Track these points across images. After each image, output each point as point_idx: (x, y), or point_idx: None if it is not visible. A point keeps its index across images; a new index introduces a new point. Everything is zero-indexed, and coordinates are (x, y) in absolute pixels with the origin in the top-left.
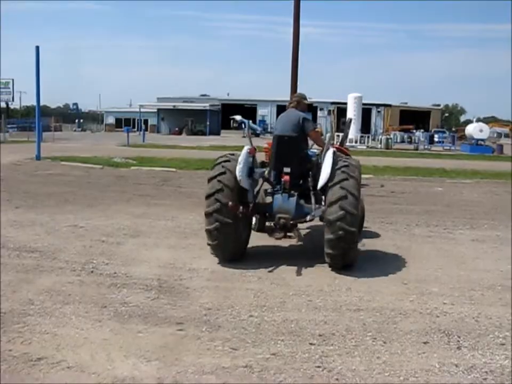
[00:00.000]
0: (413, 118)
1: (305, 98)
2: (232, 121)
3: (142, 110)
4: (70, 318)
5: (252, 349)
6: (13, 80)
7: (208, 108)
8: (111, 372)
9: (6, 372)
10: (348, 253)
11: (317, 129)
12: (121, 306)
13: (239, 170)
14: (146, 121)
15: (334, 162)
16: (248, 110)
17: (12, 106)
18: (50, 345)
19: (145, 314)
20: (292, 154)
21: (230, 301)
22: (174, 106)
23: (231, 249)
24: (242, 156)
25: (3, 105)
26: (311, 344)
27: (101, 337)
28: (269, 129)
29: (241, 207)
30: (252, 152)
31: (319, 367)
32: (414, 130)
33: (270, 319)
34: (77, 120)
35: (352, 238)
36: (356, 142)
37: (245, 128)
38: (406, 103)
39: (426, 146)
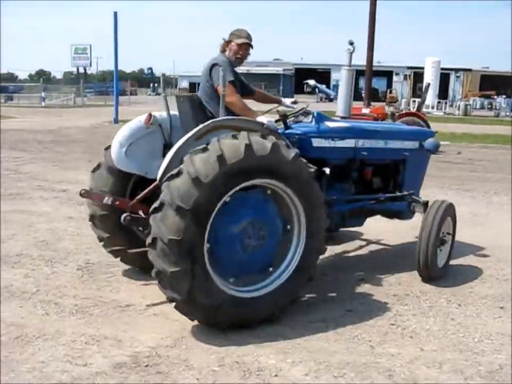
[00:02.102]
0: (494, 84)
1: (241, 36)
2: (305, 85)
3: None
4: None
5: (327, 304)
6: (90, 46)
7: (281, 72)
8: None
9: (98, 315)
10: None
11: (230, 86)
12: None
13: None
14: None
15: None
16: (322, 75)
17: (89, 72)
18: (136, 294)
19: None
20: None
21: None
22: (248, 70)
23: None
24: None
25: (81, 70)
26: (385, 303)
27: None
28: None
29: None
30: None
31: (393, 324)
32: (495, 97)
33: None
34: (151, 85)
35: None
36: (433, 108)
37: (318, 93)
38: (487, 68)
39: (508, 113)
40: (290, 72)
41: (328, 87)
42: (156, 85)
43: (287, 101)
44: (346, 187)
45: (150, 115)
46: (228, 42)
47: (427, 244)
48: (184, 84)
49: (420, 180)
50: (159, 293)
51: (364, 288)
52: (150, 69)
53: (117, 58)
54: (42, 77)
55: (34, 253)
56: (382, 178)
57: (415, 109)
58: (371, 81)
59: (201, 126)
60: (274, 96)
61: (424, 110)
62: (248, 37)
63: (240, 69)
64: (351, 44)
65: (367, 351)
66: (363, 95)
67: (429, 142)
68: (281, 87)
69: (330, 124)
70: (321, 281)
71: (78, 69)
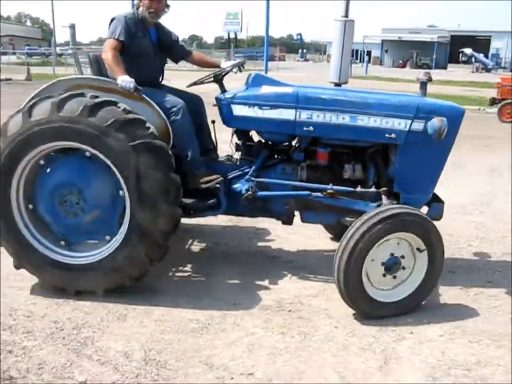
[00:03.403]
0: None
1: None
2: (461, 54)
3: (366, 41)
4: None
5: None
6: (241, 11)
7: (435, 39)
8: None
9: (248, 263)
10: None
11: (110, 41)
12: None
13: None
14: (369, 53)
15: None
16: (481, 42)
17: (239, 37)
18: (283, 246)
19: None
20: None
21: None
22: (399, 37)
23: None
24: None
25: (232, 35)
26: None
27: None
28: (502, 64)
29: None
30: None
31: None
32: None
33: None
34: (300, 50)
35: None
36: None
37: (474, 62)
38: None
39: None
40: (445, 40)
41: (486, 56)
42: (305, 51)
43: (226, 64)
44: (286, 170)
45: None
46: None
47: (337, 264)
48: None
49: (427, 177)
50: (306, 244)
51: (507, 262)
52: (299, 34)
53: (268, 23)
54: (195, 42)
55: None
56: (354, 167)
57: None
58: None
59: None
60: (215, 60)
61: None
62: None
63: (391, 36)
64: None
65: (505, 322)
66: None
67: (431, 124)
68: (434, 56)
69: (265, 89)
70: (466, 251)
71: (229, 34)
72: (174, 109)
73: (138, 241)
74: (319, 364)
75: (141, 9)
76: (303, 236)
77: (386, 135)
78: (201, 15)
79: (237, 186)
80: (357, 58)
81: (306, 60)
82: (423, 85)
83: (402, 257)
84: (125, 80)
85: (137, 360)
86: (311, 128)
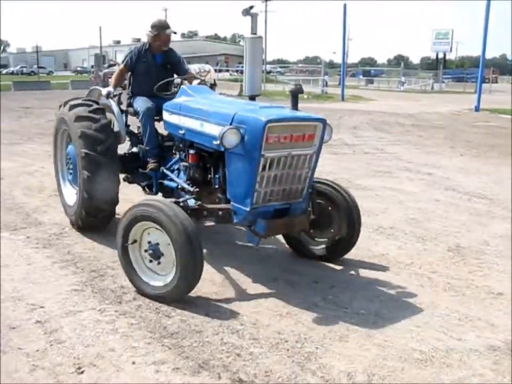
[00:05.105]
0: None
1: (161, 26)
2: None
3: None
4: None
5: None
6: (452, 30)
7: None
8: None
9: (471, 297)
10: None
11: (123, 65)
12: None
13: None
14: None
15: None
16: None
17: (448, 57)
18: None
19: None
20: None
21: None
22: None
23: None
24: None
25: (440, 55)
26: None
27: None
28: None
29: None
30: None
31: None
32: None
33: None
34: None
35: None
36: None
37: None
38: None
39: None
40: None
41: None
42: None
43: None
44: (180, 167)
45: None
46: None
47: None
48: None
49: (242, 186)
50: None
51: None
52: None
53: (485, 43)
54: (401, 62)
55: (405, 228)
56: (203, 169)
57: None
58: None
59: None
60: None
61: None
62: (169, 27)
63: None
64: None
65: None
66: None
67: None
68: None
69: (176, 99)
70: None
71: (437, 54)
72: (140, 112)
73: None
74: None
75: (155, 41)
76: None
77: (214, 142)
78: (407, 35)
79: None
80: None
81: None
82: (292, 95)
83: (158, 244)
84: (105, 89)
85: (361, 383)
86: (183, 131)
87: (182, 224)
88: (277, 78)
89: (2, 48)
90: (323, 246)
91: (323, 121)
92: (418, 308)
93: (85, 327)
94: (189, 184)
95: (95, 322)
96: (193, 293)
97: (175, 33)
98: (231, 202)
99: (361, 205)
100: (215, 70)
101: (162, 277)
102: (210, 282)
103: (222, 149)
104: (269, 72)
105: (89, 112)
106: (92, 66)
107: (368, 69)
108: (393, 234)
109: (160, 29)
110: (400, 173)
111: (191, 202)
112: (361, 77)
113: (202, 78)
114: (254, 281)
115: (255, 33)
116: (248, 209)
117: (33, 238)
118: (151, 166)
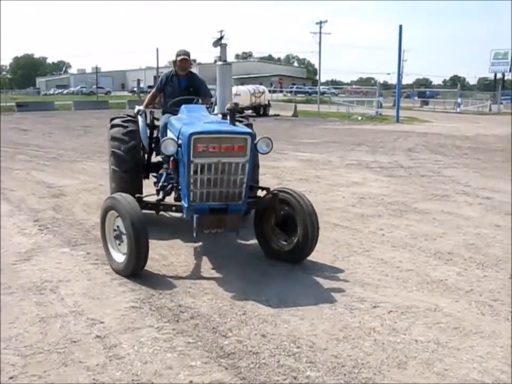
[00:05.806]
0: None
1: (179, 54)
2: None
3: None
4: None
5: None
6: (511, 50)
7: None
8: None
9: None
10: None
11: (155, 89)
12: None
13: None
14: None
15: None
16: None
17: (506, 77)
18: None
19: None
20: None
21: None
22: None
23: None
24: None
25: (499, 76)
26: None
27: None
28: None
29: None
30: None
31: None
32: None
33: None
34: None
35: None
36: None
37: None
38: None
39: None
40: None
41: None
42: None
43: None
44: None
45: None
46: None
47: None
48: None
49: (183, 187)
50: None
51: None
52: None
53: None
54: (457, 83)
55: (464, 253)
56: (175, 173)
57: None
58: None
59: None
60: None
61: None
62: (183, 54)
63: None
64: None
65: None
66: None
67: None
68: None
69: (178, 115)
70: None
71: (495, 75)
72: (160, 126)
73: None
74: None
75: (175, 67)
76: None
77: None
78: (463, 56)
79: None
80: None
81: None
82: (230, 112)
83: (118, 227)
84: (137, 108)
85: None
86: None
87: (130, 214)
88: (331, 99)
89: (64, 69)
90: (287, 248)
91: (250, 134)
92: (479, 337)
93: (143, 344)
94: (166, 185)
95: (153, 339)
96: (249, 313)
97: (188, 58)
98: (181, 200)
99: (419, 229)
100: (269, 91)
101: (122, 255)
102: (266, 303)
103: (176, 156)
104: (322, 93)
105: (122, 134)
106: (149, 87)
107: (423, 90)
108: (452, 260)
109: (176, 56)
110: (458, 197)
111: (153, 198)
112: (416, 98)
113: (211, 102)
114: (311, 304)
115: (225, 61)
116: (186, 205)
117: (93, 254)
118: (161, 170)
